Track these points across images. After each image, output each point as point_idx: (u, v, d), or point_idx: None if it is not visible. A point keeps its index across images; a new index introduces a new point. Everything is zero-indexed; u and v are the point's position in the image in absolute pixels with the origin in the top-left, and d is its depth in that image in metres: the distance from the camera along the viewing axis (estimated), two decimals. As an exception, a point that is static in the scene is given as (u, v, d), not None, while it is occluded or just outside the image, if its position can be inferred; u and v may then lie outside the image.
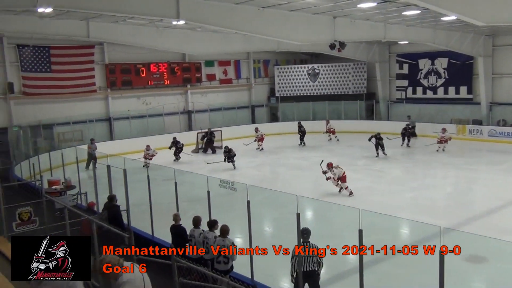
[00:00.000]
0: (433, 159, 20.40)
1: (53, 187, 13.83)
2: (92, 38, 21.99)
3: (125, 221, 10.27)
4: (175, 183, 10.33)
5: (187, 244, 8.62)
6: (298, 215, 7.20)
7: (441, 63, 29.24)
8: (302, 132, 25.63)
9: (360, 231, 6.39)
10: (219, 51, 27.00)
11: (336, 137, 26.34)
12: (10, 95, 22.21)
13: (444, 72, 29.24)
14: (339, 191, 14.83)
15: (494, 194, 14.68)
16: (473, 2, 13.52)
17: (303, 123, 26.47)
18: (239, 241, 10.59)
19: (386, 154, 20.78)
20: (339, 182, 14.76)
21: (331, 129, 26.45)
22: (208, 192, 9.10)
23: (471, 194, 15.43)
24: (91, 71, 24.87)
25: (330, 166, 14.97)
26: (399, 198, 14.65)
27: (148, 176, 10.46)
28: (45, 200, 9.88)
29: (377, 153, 20.86)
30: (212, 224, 8.45)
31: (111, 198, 10.51)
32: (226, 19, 16.02)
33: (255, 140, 24.20)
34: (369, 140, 21.08)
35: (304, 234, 7.57)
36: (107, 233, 7.60)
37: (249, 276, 8.04)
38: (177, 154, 22.33)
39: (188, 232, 8.75)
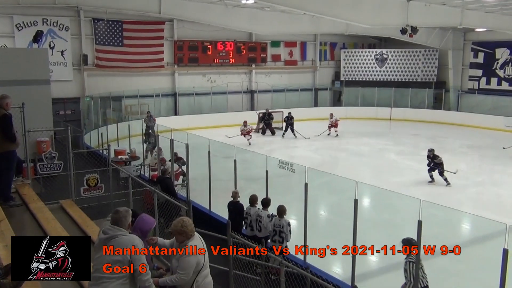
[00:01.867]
0: (502, 154, 19.36)
1: (119, 156, 14.44)
2: (163, 14, 22.54)
3: (184, 194, 10.56)
4: (235, 160, 10.47)
5: (243, 221, 8.78)
6: (356, 201, 7.10)
7: (521, 53, 27.44)
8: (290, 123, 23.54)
9: (420, 222, 6.22)
10: (286, 31, 26.83)
11: (336, 131, 23.35)
12: (84, 67, 23.27)
13: (524, 63, 27.43)
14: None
15: None
16: None
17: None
18: (294, 222, 10.60)
19: None
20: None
21: (335, 122, 23.50)
22: (267, 171, 9.15)
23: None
24: (160, 47, 25.50)
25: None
26: (462, 192, 14.08)
27: (209, 152, 10.65)
28: (111, 168, 10.33)
29: None
30: (266, 202, 8.53)
31: (164, 171, 10.81)
32: (295, -1, 15.85)
33: (329, 126, 23.32)
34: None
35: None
36: (166, 205, 7.84)
37: (302, 258, 8.05)
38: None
39: (244, 210, 8.88)
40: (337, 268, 8.78)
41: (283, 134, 23.24)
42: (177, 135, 12.40)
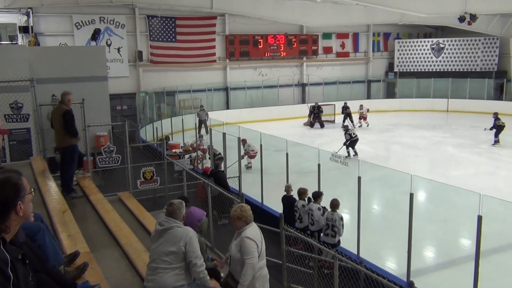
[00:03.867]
0: None
1: (173, 150, 14.77)
2: (215, 9, 22.80)
3: (237, 188, 10.67)
4: (287, 154, 10.47)
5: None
6: (411, 195, 6.93)
7: None
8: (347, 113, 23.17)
9: (480, 218, 5.99)
10: (338, 23, 26.45)
11: (367, 122, 23.10)
12: (139, 63, 23.94)
13: None
14: None
15: None
16: None
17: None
18: (347, 216, 10.48)
19: None
20: None
21: (364, 115, 23.12)
22: (319, 165, 9.09)
23: None
24: (212, 42, 25.82)
25: None
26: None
27: (261, 145, 10.71)
28: (166, 161, 10.59)
29: None
30: (316, 195, 8.47)
31: (217, 165, 10.95)
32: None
33: (360, 119, 23.08)
34: None
35: None
36: (219, 198, 7.96)
37: (355, 252, 7.96)
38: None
39: (296, 203, 8.87)
40: (391, 263, 8.60)
41: (343, 125, 22.86)
42: (229, 129, 12.53)
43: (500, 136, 18.30)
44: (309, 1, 23.94)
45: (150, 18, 24.06)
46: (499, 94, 28.84)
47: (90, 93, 12.31)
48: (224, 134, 11.77)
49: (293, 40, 27.94)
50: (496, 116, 18.32)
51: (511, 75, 28.85)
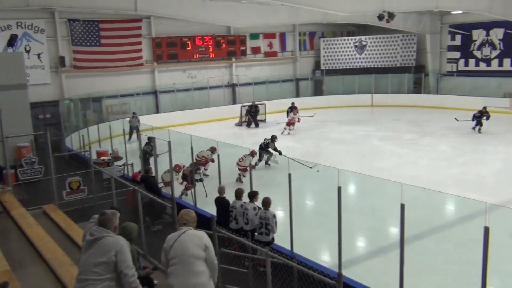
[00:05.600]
0: (483, 134, 19.66)
1: (101, 158, 14.32)
2: (139, 11, 22.32)
3: (169, 192, 10.51)
4: (218, 155, 10.47)
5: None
6: (339, 189, 7.14)
7: (497, 34, 27.78)
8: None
9: (402, 206, 6.29)
10: (265, 23, 26.78)
11: (291, 129, 21.52)
12: (62, 69, 22.96)
13: (499, 43, 27.80)
14: None
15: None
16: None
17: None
18: (281, 213, 10.66)
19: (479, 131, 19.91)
20: None
21: (293, 121, 21.64)
22: (250, 164, 9.16)
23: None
24: (139, 45, 25.29)
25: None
26: (445, 173, 14.25)
27: (191, 148, 10.62)
28: (93, 170, 10.25)
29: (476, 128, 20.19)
30: (252, 195, 8.54)
31: (147, 170, 10.72)
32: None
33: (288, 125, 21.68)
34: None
35: None
36: (150, 204, 7.82)
37: (289, 248, 8.10)
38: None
39: (231, 204, 8.89)
40: (324, 256, 8.85)
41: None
42: (159, 133, 12.33)
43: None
44: (235, 2, 24.04)
45: (71, 22, 23.14)
46: (418, 87, 30.50)
47: (8, 103, 11.68)
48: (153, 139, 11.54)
49: (221, 41, 27.97)
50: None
51: (428, 69, 30.62)
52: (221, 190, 9.25)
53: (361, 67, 31.42)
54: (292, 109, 22.51)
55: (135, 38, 25.12)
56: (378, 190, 11.47)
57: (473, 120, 20.27)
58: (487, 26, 27.80)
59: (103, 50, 24.14)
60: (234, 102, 28.59)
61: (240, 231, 8.26)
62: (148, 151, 13.53)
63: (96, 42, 23.91)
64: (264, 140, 16.14)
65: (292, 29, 31.28)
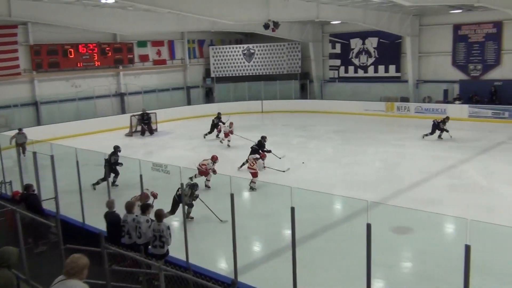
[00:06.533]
0: (364, 136, 21.11)
1: (-26, 177, 13.01)
2: (14, 17, 20.67)
3: (54, 210, 9.86)
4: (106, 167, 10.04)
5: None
6: (232, 196, 7.22)
7: (372, 43, 30.15)
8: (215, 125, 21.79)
9: (292, 209, 6.52)
10: (152, 31, 26.26)
11: (228, 140, 20.59)
12: None
13: (374, 51, 30.19)
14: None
15: (419, 168, 15.45)
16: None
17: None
18: (176, 224, 10.51)
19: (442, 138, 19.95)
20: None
21: (227, 132, 20.67)
22: (141, 176, 8.91)
23: (398, 168, 16.15)
24: (15, 53, 23.49)
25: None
26: (332, 174, 15.07)
27: (77, 162, 10.06)
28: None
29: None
30: (144, 208, 8.31)
31: (27, 187, 9.96)
32: (157, -3, 15.53)
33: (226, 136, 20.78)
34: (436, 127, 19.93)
35: None
36: (32, 224, 7.26)
37: (184, 259, 8.00)
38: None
39: (122, 218, 8.55)
40: (221, 263, 8.87)
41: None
42: (41, 147, 11.54)
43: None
44: (120, 9, 23.28)
45: None
46: (304, 93, 32.03)
47: None
48: (34, 153, 10.77)
49: (107, 49, 26.96)
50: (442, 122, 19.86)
51: (313, 76, 32.26)
52: (110, 204, 8.85)
53: (251, 74, 32.19)
54: (220, 119, 22.10)
55: (11, 46, 23.30)
56: (271, 194, 11.80)
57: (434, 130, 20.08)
58: (363, 35, 30.04)
59: (-27, 58, 22.07)
60: (123, 111, 27.65)
61: (134, 246, 7.99)
62: (111, 161, 13.45)
63: (-36, 49, 21.78)
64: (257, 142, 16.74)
65: (180, 36, 31.12)
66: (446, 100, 26.97)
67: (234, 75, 32.23)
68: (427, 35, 27.98)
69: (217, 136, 21.67)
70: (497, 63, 25.72)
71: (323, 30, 32.05)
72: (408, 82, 28.45)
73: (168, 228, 7.84)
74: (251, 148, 16.23)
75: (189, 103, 31.12)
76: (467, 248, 5.02)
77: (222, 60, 32.29)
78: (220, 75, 32.27)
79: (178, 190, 9.97)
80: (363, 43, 30.49)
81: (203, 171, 13.55)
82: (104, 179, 12.54)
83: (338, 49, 31.77)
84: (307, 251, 8.72)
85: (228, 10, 18.74)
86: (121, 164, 14.02)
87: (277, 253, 9.01)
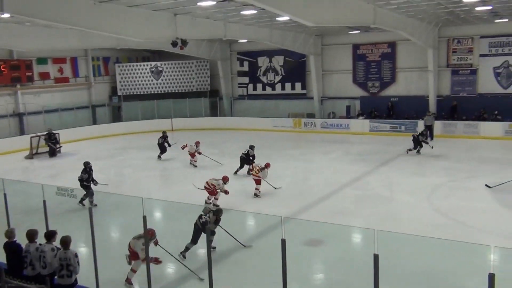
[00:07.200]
0: (274, 152, 21.56)
1: None
2: None
3: None
4: (5, 194, 9.32)
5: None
6: (144, 218, 7.03)
7: (278, 61, 31.17)
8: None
9: (208, 228, 6.49)
10: (53, 47, 25.03)
11: (195, 161, 19.44)
12: None
13: (280, 69, 31.21)
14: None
15: (327, 181, 16.11)
16: (303, 4, 14.57)
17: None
18: (84, 250, 9.97)
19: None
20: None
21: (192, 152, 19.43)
22: (44, 201, 8.37)
23: (308, 182, 16.69)
24: None
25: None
26: (244, 192, 15.19)
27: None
28: None
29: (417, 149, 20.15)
30: (49, 235, 7.78)
31: None
32: (57, 13, 14.80)
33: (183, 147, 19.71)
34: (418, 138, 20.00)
35: None
36: None
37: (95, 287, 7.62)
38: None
39: (24, 248, 7.93)
40: (135, 286, 8.55)
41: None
42: None
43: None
44: (16, 24, 21.93)
45: None
46: (214, 111, 32.20)
47: None
48: None
49: (3, 66, 25.24)
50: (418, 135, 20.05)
51: (222, 93, 32.57)
52: (9, 233, 8.17)
53: (159, 92, 31.79)
54: (165, 138, 20.82)
55: None
56: (184, 214, 11.61)
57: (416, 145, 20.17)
58: (270, 54, 30.97)
59: None
60: (22, 132, 25.91)
61: (38, 277, 7.43)
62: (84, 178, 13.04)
63: None
64: (246, 150, 17.23)
65: (84, 53, 30.00)
66: (349, 115, 28.49)
67: (142, 93, 31.62)
68: (329, 54, 29.48)
69: (159, 157, 20.85)
70: (393, 80, 27.73)
71: (231, 48, 32.57)
72: (313, 99, 29.68)
73: (76, 255, 7.40)
74: (240, 158, 17.26)
75: (94, 122, 29.94)
76: (376, 257, 5.30)
77: (129, 78, 31.56)
78: (128, 93, 31.48)
79: (200, 218, 9.35)
80: (270, 61, 31.41)
81: (211, 191, 13.09)
82: (87, 194, 12.45)
83: (246, 67, 32.42)
84: (225, 269, 8.69)
85: (135, 28, 18.39)
86: (96, 182, 13.36)
87: (193, 274, 8.85)
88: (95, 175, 13.78)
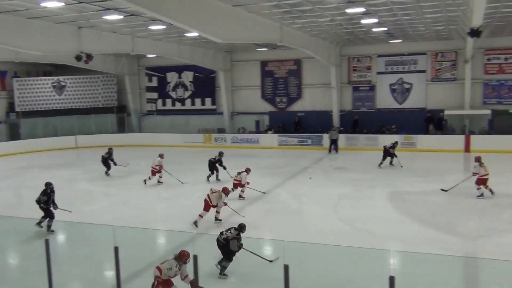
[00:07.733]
0: (183, 168, 21.36)
1: None
2: None
3: None
4: None
5: None
6: (47, 241, 6.65)
7: (188, 76, 31.12)
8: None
9: (116, 248, 6.28)
10: None
11: (160, 177, 18.22)
12: None
13: (190, 85, 31.17)
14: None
15: (237, 195, 16.22)
16: (212, 21, 14.73)
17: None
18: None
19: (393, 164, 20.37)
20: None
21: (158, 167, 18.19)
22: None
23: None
24: None
25: None
26: (152, 210, 14.88)
27: None
28: None
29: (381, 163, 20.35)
30: None
31: None
32: None
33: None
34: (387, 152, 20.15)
35: None
36: None
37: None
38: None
39: None
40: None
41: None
42: None
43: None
44: None
45: None
46: (122, 127, 31.32)
47: None
48: None
49: None
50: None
51: (130, 109, 31.80)
52: None
53: (62, 108, 30.33)
54: (111, 154, 20.23)
55: None
56: (92, 235, 11.12)
57: (385, 156, 20.45)
58: (179, 69, 30.87)
59: None
60: None
61: None
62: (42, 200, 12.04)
63: None
64: (215, 156, 17.97)
65: (-23, 67, 27.87)
66: (258, 130, 29.08)
67: (43, 109, 29.95)
68: (238, 70, 29.99)
69: (107, 173, 20.02)
70: (299, 96, 28.81)
71: (139, 63, 32.00)
72: (223, 114, 29.94)
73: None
74: (209, 161, 18.05)
75: (-11, 140, 27.84)
76: (286, 268, 5.45)
77: (28, 93, 29.78)
78: (27, 109, 29.65)
79: (221, 234, 8.70)
80: (180, 77, 31.27)
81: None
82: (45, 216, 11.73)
83: (155, 82, 31.99)
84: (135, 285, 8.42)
85: (35, 40, 17.47)
86: (56, 206, 12.20)
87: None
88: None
